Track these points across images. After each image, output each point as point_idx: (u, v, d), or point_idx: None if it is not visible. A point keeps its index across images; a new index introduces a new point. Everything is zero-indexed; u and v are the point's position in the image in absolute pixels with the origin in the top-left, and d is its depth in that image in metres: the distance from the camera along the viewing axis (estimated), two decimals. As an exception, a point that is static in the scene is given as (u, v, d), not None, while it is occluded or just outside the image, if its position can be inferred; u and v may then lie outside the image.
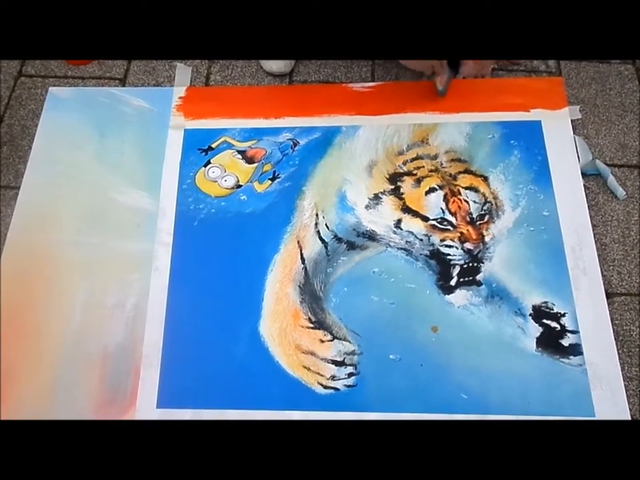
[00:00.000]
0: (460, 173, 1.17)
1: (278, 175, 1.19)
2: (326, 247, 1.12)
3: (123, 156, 1.23)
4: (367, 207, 1.15)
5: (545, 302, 1.05)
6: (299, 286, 1.08)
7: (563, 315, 1.04)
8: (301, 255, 1.11)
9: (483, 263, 1.09)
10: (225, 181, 1.19)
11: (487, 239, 1.10)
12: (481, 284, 1.07)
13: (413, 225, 1.12)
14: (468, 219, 1.12)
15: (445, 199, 1.14)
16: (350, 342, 1.03)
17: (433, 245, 1.10)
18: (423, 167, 1.18)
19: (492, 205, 1.14)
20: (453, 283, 1.07)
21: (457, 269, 1.08)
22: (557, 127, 1.21)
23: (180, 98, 1.29)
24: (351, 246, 1.12)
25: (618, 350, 1.01)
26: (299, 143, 1.23)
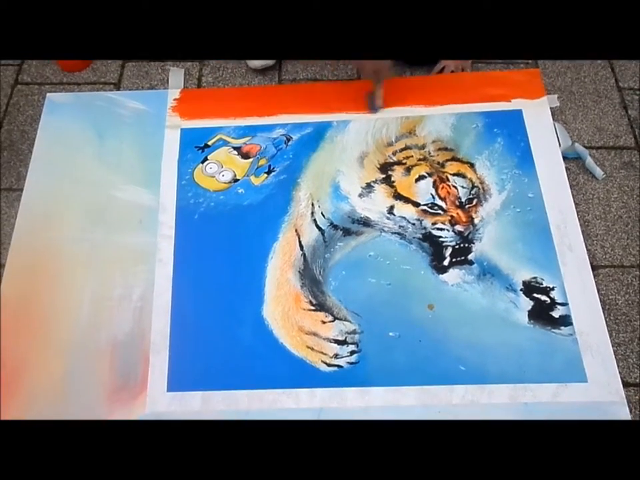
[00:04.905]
0: (447, 160, 1.22)
1: (273, 168, 1.24)
2: (323, 234, 1.16)
3: (121, 155, 1.26)
4: (360, 195, 1.20)
5: (535, 277, 1.10)
6: (299, 271, 1.12)
7: (552, 289, 1.09)
8: (299, 242, 1.15)
9: (473, 243, 1.13)
10: (223, 175, 1.23)
11: (476, 221, 1.15)
12: (473, 263, 1.12)
13: (405, 210, 1.17)
14: (457, 203, 1.17)
15: (435, 185, 1.19)
16: (350, 322, 1.07)
17: (425, 228, 1.15)
18: (412, 156, 1.23)
19: (479, 189, 1.19)
20: (446, 263, 1.12)
21: (449, 250, 1.13)
22: (537, 115, 1.27)
23: (175, 100, 1.33)
24: (347, 232, 1.16)
25: (605, 318, 1.06)
26: (292, 138, 1.27)
